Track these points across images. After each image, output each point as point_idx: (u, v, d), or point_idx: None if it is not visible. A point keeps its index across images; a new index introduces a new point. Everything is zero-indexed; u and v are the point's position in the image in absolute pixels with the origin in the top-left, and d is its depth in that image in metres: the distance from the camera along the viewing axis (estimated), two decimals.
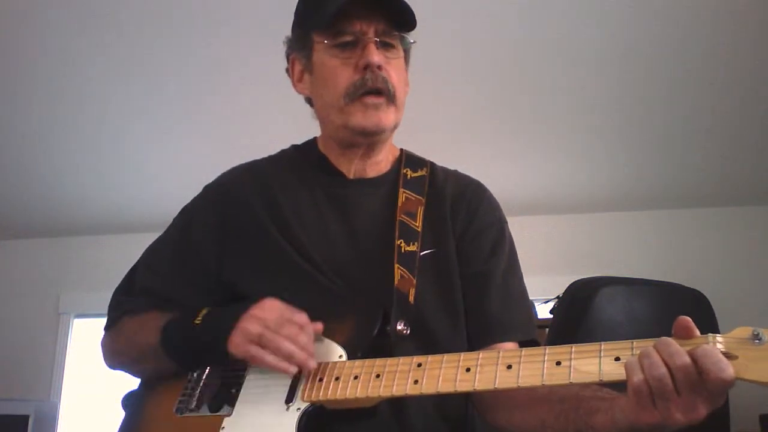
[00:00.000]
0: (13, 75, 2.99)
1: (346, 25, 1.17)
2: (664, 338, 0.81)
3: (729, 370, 0.76)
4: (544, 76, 2.96)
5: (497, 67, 2.92)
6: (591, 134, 3.37)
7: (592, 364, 0.84)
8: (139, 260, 1.31)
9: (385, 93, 1.17)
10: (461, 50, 2.72)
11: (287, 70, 1.30)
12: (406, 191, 1.25)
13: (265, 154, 1.37)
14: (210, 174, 1.37)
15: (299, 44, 1.25)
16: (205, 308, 1.11)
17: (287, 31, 1.31)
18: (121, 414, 1.20)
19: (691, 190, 3.79)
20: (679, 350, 0.78)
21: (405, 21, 1.19)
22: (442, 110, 3.03)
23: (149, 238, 1.36)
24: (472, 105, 3.17)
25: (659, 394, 0.78)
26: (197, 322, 1.09)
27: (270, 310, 1.02)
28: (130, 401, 1.20)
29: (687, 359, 0.77)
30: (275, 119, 3.22)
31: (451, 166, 1.36)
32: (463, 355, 0.93)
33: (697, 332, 0.82)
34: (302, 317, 1.02)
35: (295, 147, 1.36)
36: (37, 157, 3.64)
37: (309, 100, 1.29)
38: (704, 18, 2.60)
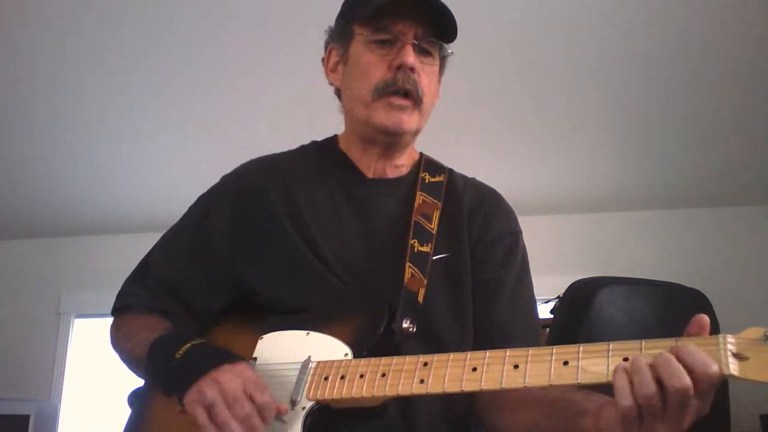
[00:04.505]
0: (13, 74, 2.99)
1: (388, 23, 1.18)
2: (664, 354, 0.77)
3: (714, 366, 0.75)
4: (544, 76, 2.97)
5: (498, 68, 2.93)
6: (591, 134, 3.38)
7: (600, 364, 0.83)
8: (153, 247, 1.31)
9: (412, 96, 1.18)
10: (462, 50, 2.72)
11: (323, 60, 1.31)
12: (424, 194, 1.25)
13: (266, 154, 1.37)
14: (211, 174, 1.37)
15: (339, 34, 1.26)
16: (191, 342, 1.08)
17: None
18: (125, 412, 1.20)
19: (691, 190, 3.80)
20: (679, 370, 0.76)
21: (446, 30, 1.20)
22: (442, 110, 3.02)
23: (149, 238, 1.35)
24: (472, 105, 3.17)
25: (647, 413, 0.77)
26: (177, 356, 1.06)
27: (233, 380, 0.97)
28: (136, 399, 1.20)
29: (687, 381, 0.75)
30: (276, 120, 3.23)
31: (451, 166, 1.37)
32: (469, 355, 0.92)
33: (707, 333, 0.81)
34: (264, 396, 0.96)
35: (315, 142, 1.36)
36: (37, 157, 3.64)
37: (338, 92, 1.29)
38: (705, 19, 2.61)
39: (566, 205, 3.99)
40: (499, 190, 1.34)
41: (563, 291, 1.91)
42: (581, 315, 1.75)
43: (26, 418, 3.69)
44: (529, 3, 2.57)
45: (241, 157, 1.36)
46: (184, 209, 1.34)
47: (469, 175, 1.36)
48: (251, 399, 0.95)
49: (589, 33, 2.71)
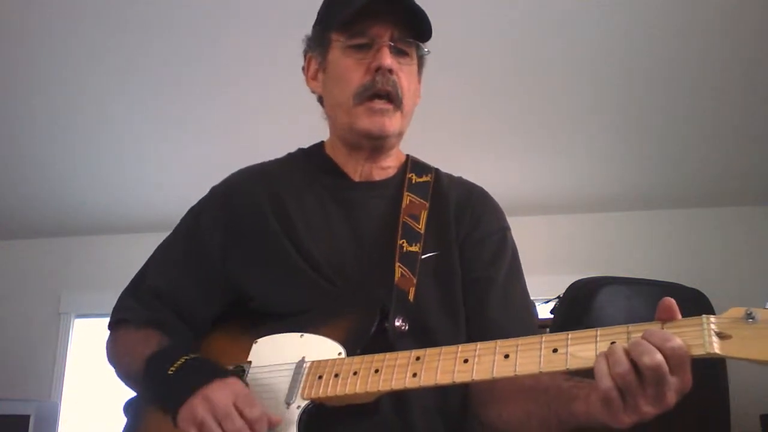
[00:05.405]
0: (13, 75, 2.99)
1: (363, 27, 1.19)
2: (636, 339, 0.81)
3: (674, 340, 0.79)
4: (544, 76, 2.97)
5: (497, 68, 2.93)
6: (591, 134, 3.38)
7: (588, 349, 0.84)
8: (147, 260, 1.32)
9: (393, 98, 1.19)
10: (461, 50, 2.73)
11: (303, 68, 1.32)
12: (411, 195, 1.26)
13: (266, 155, 1.38)
14: (210, 175, 1.37)
15: (317, 42, 1.28)
16: (184, 357, 1.09)
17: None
18: (122, 418, 1.20)
19: (691, 190, 3.80)
20: (649, 349, 0.79)
21: (421, 29, 1.22)
22: (442, 110, 3.04)
23: (149, 238, 1.36)
24: (472, 105, 3.17)
25: (627, 392, 0.80)
26: (171, 372, 1.07)
27: (223, 396, 0.98)
28: (131, 408, 1.21)
29: (658, 357, 0.78)
30: (276, 120, 3.23)
31: (451, 167, 1.37)
32: (461, 347, 0.94)
33: (679, 314, 0.83)
34: (255, 411, 0.97)
35: (302, 150, 1.37)
36: (37, 157, 3.65)
37: (320, 99, 1.31)
38: (705, 19, 2.61)
39: (566, 205, 3.99)
40: (499, 190, 1.35)
41: (563, 291, 1.91)
42: (581, 315, 1.74)
43: (26, 418, 3.69)
44: (530, 4, 2.57)
45: (241, 157, 1.37)
46: (184, 209, 1.35)
47: (471, 176, 1.37)
48: (242, 414, 0.96)
49: (589, 33, 2.71)
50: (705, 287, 1.98)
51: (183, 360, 1.08)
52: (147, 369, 1.11)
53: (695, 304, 1.94)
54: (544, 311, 3.01)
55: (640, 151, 3.47)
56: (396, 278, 1.15)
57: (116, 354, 1.25)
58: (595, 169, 3.66)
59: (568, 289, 1.88)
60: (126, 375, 1.21)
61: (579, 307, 1.77)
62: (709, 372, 1.78)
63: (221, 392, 0.99)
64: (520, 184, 3.75)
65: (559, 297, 2.05)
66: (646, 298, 1.87)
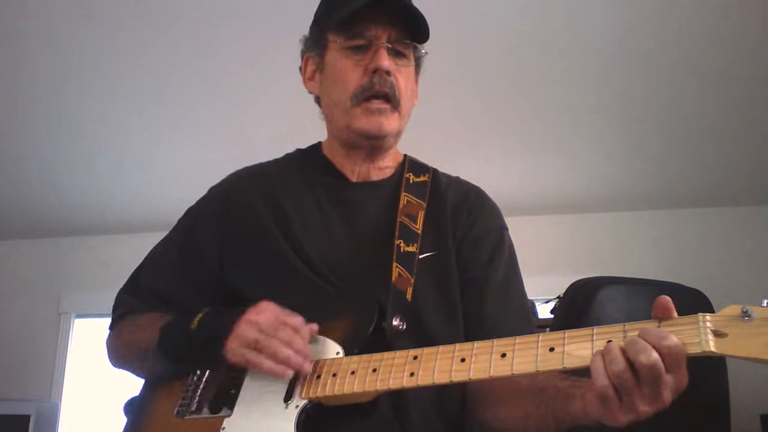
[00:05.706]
0: (14, 74, 2.99)
1: (361, 28, 1.19)
2: (632, 337, 0.81)
3: (670, 338, 0.79)
4: (543, 76, 2.97)
5: (497, 67, 2.93)
6: (591, 135, 3.38)
7: (585, 348, 0.84)
8: (144, 260, 1.33)
9: (390, 99, 1.20)
10: (460, 50, 2.73)
11: (300, 69, 1.32)
12: (408, 195, 1.26)
13: (266, 155, 1.38)
14: (211, 175, 1.37)
15: (314, 43, 1.28)
16: (203, 311, 1.12)
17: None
18: (122, 418, 1.20)
19: (691, 190, 3.80)
20: (645, 347, 0.79)
21: (418, 31, 1.22)
22: (442, 111, 3.04)
23: (150, 238, 1.36)
24: (471, 105, 3.17)
25: (624, 391, 0.80)
26: (194, 325, 1.09)
27: (265, 314, 1.02)
28: (131, 408, 1.21)
29: (655, 356, 0.78)
30: (277, 121, 3.23)
31: (451, 166, 1.37)
32: (458, 346, 0.94)
33: (675, 313, 0.83)
34: (297, 320, 1.02)
35: (299, 150, 1.38)
36: (37, 157, 3.65)
37: (317, 100, 1.31)
38: (705, 19, 2.61)
39: (566, 205, 3.99)
40: (499, 190, 1.35)
41: (563, 291, 1.91)
42: (581, 315, 1.74)
43: (26, 418, 3.70)
44: (530, 4, 2.57)
45: (240, 157, 1.37)
46: (184, 209, 1.35)
47: (471, 176, 1.37)
48: (286, 324, 1.00)
49: (590, 33, 2.71)
50: (705, 287, 1.97)
51: (201, 315, 1.10)
52: (163, 336, 1.12)
53: (695, 303, 1.94)
54: (544, 311, 3.01)
55: (640, 151, 3.47)
56: (393, 278, 1.15)
57: (121, 342, 1.25)
58: (596, 169, 3.66)
59: (568, 289, 1.88)
60: (136, 355, 1.21)
61: (579, 306, 1.77)
62: (709, 372, 1.78)
63: (259, 312, 1.03)
64: (520, 184, 3.75)
65: (559, 297, 2.05)
66: (646, 298, 1.86)
